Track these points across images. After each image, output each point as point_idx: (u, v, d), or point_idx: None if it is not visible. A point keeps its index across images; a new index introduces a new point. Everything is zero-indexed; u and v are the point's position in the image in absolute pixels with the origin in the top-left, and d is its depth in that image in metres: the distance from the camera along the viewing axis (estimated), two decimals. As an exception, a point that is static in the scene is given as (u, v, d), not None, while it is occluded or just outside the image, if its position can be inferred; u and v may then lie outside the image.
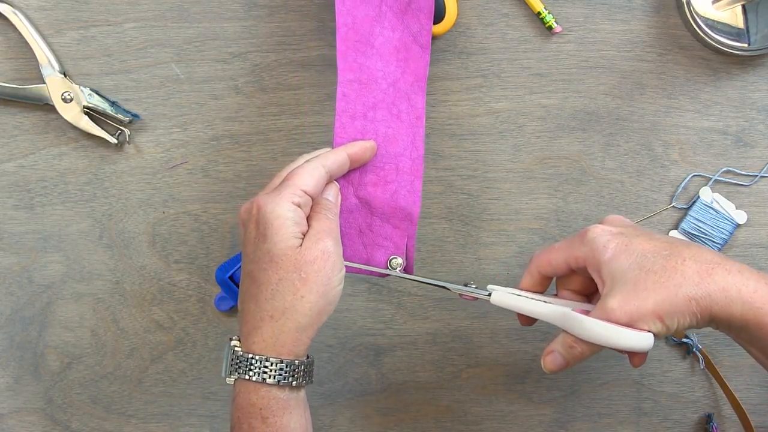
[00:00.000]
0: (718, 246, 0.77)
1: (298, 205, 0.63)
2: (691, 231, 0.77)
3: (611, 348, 0.60)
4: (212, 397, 0.81)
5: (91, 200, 0.79)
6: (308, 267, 0.62)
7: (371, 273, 0.69)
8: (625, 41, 0.77)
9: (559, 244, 0.65)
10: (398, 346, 0.80)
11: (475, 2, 0.77)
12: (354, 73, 0.69)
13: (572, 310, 0.62)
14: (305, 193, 0.64)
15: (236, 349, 0.63)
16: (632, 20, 0.77)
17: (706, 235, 0.77)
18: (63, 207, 0.79)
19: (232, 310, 0.80)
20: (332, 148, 0.68)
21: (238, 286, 0.77)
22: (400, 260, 0.69)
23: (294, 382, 0.62)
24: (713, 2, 0.75)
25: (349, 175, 0.68)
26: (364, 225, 0.69)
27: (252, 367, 0.62)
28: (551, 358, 0.63)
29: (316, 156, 0.66)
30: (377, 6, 0.69)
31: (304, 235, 0.63)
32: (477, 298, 0.67)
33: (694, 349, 0.78)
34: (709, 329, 0.79)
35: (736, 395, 0.77)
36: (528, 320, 0.67)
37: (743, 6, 0.75)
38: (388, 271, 0.69)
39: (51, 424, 0.81)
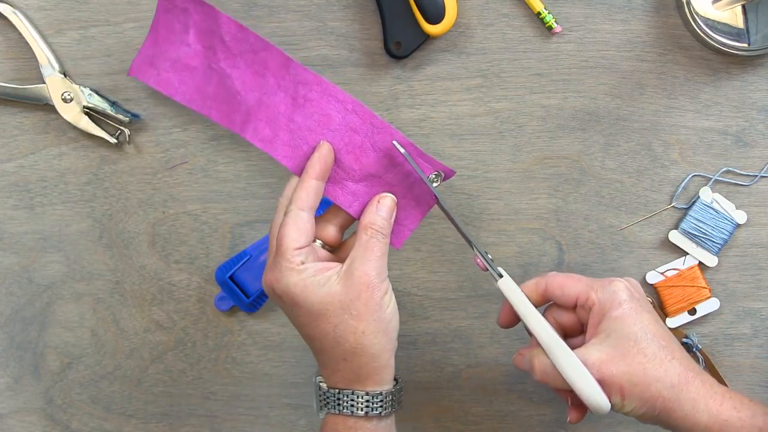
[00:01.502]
0: (718, 246, 0.77)
1: (302, 263, 0.63)
2: (691, 231, 0.77)
3: (571, 390, 0.62)
4: (212, 397, 0.81)
5: (91, 200, 0.79)
6: (356, 303, 0.62)
7: (425, 211, 0.69)
8: (625, 41, 0.77)
9: (580, 277, 0.66)
10: (398, 346, 0.79)
11: (475, 2, 0.77)
12: (249, 123, 0.68)
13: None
14: (300, 249, 0.63)
15: (321, 384, 0.65)
16: (632, 20, 0.77)
17: (706, 235, 0.77)
18: (63, 207, 0.79)
19: (232, 310, 0.80)
20: (296, 175, 0.67)
21: (238, 286, 0.77)
22: (434, 175, 0.68)
23: (382, 412, 0.64)
24: (713, 2, 0.75)
25: (333, 176, 0.68)
26: (388, 188, 0.68)
27: (339, 402, 0.64)
28: (519, 360, 0.67)
29: (291, 200, 0.65)
30: (211, 71, 0.70)
31: (333, 267, 0.64)
32: (487, 270, 0.67)
33: (694, 349, 0.78)
34: (708, 329, 0.79)
35: (736, 395, 0.78)
36: (510, 321, 0.68)
37: (743, 6, 0.75)
38: (432, 188, 0.67)
39: (51, 424, 0.81)
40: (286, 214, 0.64)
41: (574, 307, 0.66)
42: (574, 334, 0.67)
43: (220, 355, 0.80)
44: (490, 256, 0.67)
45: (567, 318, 0.67)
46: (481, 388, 0.80)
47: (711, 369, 0.78)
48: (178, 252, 0.79)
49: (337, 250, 0.68)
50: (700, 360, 0.78)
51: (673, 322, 0.78)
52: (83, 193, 0.79)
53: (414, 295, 0.79)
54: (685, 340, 0.78)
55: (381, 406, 0.64)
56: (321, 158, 0.66)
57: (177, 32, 0.71)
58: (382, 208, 0.66)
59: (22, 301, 0.80)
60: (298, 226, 0.63)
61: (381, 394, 0.64)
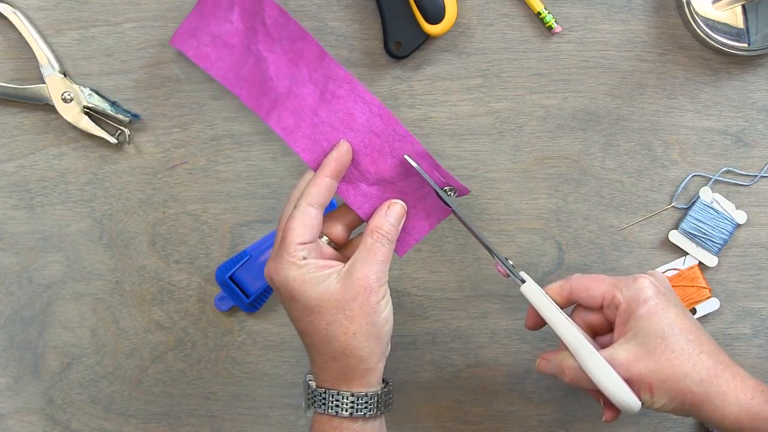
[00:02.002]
0: (718, 246, 0.77)
1: (303, 258, 0.63)
2: (691, 231, 0.77)
3: (601, 392, 0.62)
4: (212, 397, 0.81)
5: (91, 200, 0.79)
6: (351, 305, 0.63)
7: (437, 221, 0.69)
8: (625, 41, 0.77)
9: (604, 277, 0.66)
10: (398, 346, 0.80)
11: (475, 2, 0.77)
12: (276, 109, 0.69)
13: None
14: (303, 244, 0.64)
15: (310, 383, 0.66)
16: (632, 20, 0.77)
17: (706, 235, 0.77)
18: (63, 207, 0.79)
19: (232, 310, 0.80)
20: (311, 169, 0.67)
21: (238, 286, 0.77)
22: (447, 189, 0.68)
23: (367, 414, 0.64)
24: (713, 2, 0.75)
25: (347, 176, 0.68)
26: (400, 195, 0.68)
27: (325, 401, 0.64)
28: (544, 365, 0.67)
29: (303, 195, 0.65)
30: (249, 52, 0.70)
31: (334, 266, 0.64)
32: (508, 276, 0.67)
33: (694, 349, 0.78)
34: (708, 329, 0.79)
35: (736, 395, 0.78)
36: (537, 324, 0.68)
37: (743, 6, 0.75)
38: (447, 199, 0.67)
39: (51, 424, 0.81)
40: (295, 207, 0.65)
41: (600, 308, 0.66)
42: (603, 332, 0.67)
43: (220, 355, 0.80)
44: (510, 263, 0.67)
45: (594, 318, 0.67)
46: (481, 388, 0.80)
47: (711, 369, 0.78)
48: (178, 252, 0.79)
49: (342, 249, 0.69)
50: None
51: (673, 322, 0.78)
52: (83, 193, 0.79)
53: (414, 295, 0.79)
54: (685, 340, 0.78)
55: (366, 408, 0.64)
56: (338, 157, 0.66)
57: (222, 7, 0.72)
58: (391, 214, 0.67)
59: (22, 301, 0.80)
60: (304, 222, 0.64)
61: (366, 395, 0.64)
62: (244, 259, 0.77)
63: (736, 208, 0.77)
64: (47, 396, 0.81)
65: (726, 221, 0.77)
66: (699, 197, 0.77)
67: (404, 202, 0.68)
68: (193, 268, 0.80)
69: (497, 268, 0.67)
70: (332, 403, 0.64)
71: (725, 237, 0.77)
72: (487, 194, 0.78)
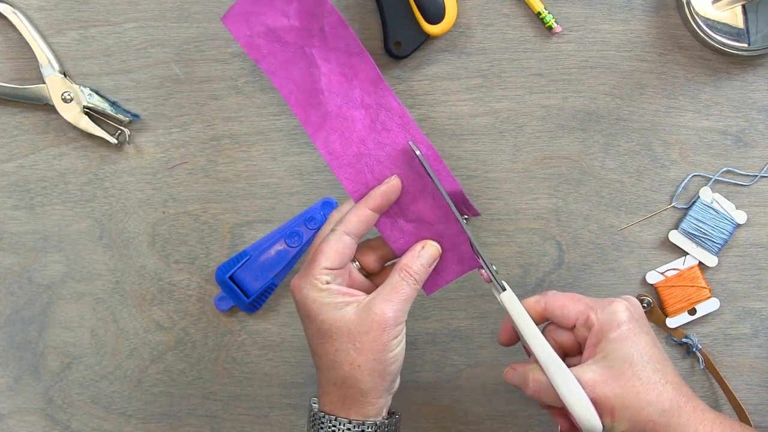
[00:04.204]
0: (718, 246, 0.77)
1: (327, 282, 0.63)
2: (691, 231, 0.77)
3: (563, 408, 0.62)
4: (212, 397, 0.81)
5: (91, 200, 0.79)
6: (363, 337, 0.62)
7: (469, 267, 0.68)
8: (625, 41, 0.77)
9: (580, 297, 0.66)
10: (398, 346, 0.80)
11: (475, 2, 0.77)
12: (324, 129, 0.67)
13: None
14: (330, 269, 0.63)
15: (313, 405, 0.66)
16: (632, 20, 0.77)
17: (706, 235, 0.77)
18: (63, 207, 0.79)
19: (232, 310, 0.80)
20: (352, 199, 0.67)
21: (238, 286, 0.77)
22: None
23: None
24: (713, 2, 0.75)
25: (387, 211, 0.66)
26: (437, 237, 0.67)
27: (323, 425, 0.64)
28: (511, 374, 0.66)
29: (342, 221, 0.65)
30: (303, 54, 0.68)
31: (357, 296, 0.64)
32: (490, 281, 0.66)
33: (694, 349, 0.78)
34: (708, 329, 0.79)
35: (736, 395, 0.78)
36: (510, 339, 0.68)
37: (743, 6, 0.75)
38: (478, 251, 0.66)
39: (51, 424, 0.81)
40: (332, 231, 0.64)
41: (572, 327, 0.66)
42: (571, 354, 0.67)
43: (220, 355, 0.80)
44: (494, 268, 0.66)
45: (565, 338, 0.67)
46: (481, 388, 0.80)
47: (711, 369, 0.78)
48: (178, 252, 0.79)
49: (374, 277, 0.68)
50: (700, 360, 0.78)
51: (673, 322, 0.78)
52: (83, 193, 0.79)
53: (414, 295, 0.79)
54: (685, 340, 0.78)
55: None
56: (386, 193, 0.66)
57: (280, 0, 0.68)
58: (425, 255, 0.66)
59: (22, 301, 0.80)
60: (337, 248, 0.64)
61: (364, 424, 0.64)
62: (244, 259, 0.77)
63: (736, 208, 0.77)
64: (47, 396, 0.81)
65: (726, 221, 0.77)
66: (699, 197, 0.77)
67: (440, 244, 0.67)
68: (193, 268, 0.80)
69: (480, 272, 0.67)
70: (330, 427, 0.64)
71: (725, 237, 0.77)
72: (487, 194, 0.78)
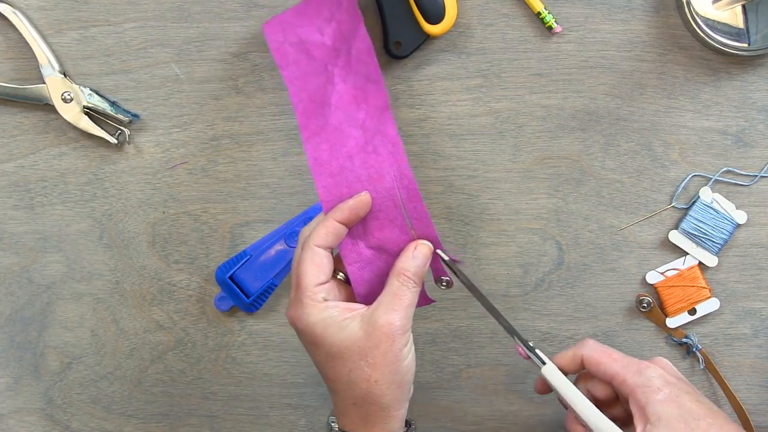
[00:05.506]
0: (718, 246, 0.77)
1: (324, 299, 0.63)
2: (691, 231, 0.77)
3: None
4: (212, 397, 0.81)
5: (91, 200, 0.79)
6: (373, 352, 0.61)
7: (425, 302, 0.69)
8: (625, 41, 0.77)
9: (618, 356, 0.65)
10: (398, 346, 0.79)
11: (475, 2, 0.77)
12: (319, 136, 0.68)
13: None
14: (321, 284, 0.63)
15: (333, 425, 0.65)
16: (632, 20, 0.77)
17: (706, 235, 0.77)
18: (63, 207, 0.79)
19: (232, 310, 0.80)
20: (323, 210, 0.67)
21: (238, 286, 0.77)
22: (444, 278, 0.69)
23: None
24: (713, 2, 0.75)
25: (352, 231, 0.66)
26: (388, 270, 0.66)
27: None
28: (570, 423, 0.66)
29: (310, 236, 0.64)
30: (324, 70, 0.69)
31: (356, 309, 0.63)
32: (528, 358, 0.67)
33: (694, 349, 0.78)
34: (708, 329, 0.79)
35: (736, 395, 0.78)
36: (545, 389, 0.68)
37: (743, 6, 0.75)
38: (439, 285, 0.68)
39: (51, 424, 0.81)
40: (303, 248, 0.64)
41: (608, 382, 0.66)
42: (607, 405, 0.67)
43: (220, 355, 0.80)
44: (531, 344, 0.67)
45: (600, 391, 0.67)
46: (481, 388, 0.80)
47: (711, 369, 0.78)
48: (178, 252, 0.79)
49: None
50: (700, 360, 0.78)
51: (673, 322, 0.78)
52: (83, 193, 0.79)
53: (414, 295, 0.79)
54: (685, 340, 0.78)
55: None
56: (355, 206, 0.65)
57: (321, 18, 0.71)
58: (418, 255, 0.65)
59: (22, 301, 0.80)
60: (315, 263, 0.63)
61: None
62: (244, 259, 0.77)
63: (736, 208, 0.77)
64: (47, 396, 0.81)
65: (726, 221, 0.77)
66: (699, 197, 0.77)
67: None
68: (193, 268, 0.80)
69: (517, 350, 0.67)
70: None
71: (725, 237, 0.77)
72: (487, 194, 0.78)
